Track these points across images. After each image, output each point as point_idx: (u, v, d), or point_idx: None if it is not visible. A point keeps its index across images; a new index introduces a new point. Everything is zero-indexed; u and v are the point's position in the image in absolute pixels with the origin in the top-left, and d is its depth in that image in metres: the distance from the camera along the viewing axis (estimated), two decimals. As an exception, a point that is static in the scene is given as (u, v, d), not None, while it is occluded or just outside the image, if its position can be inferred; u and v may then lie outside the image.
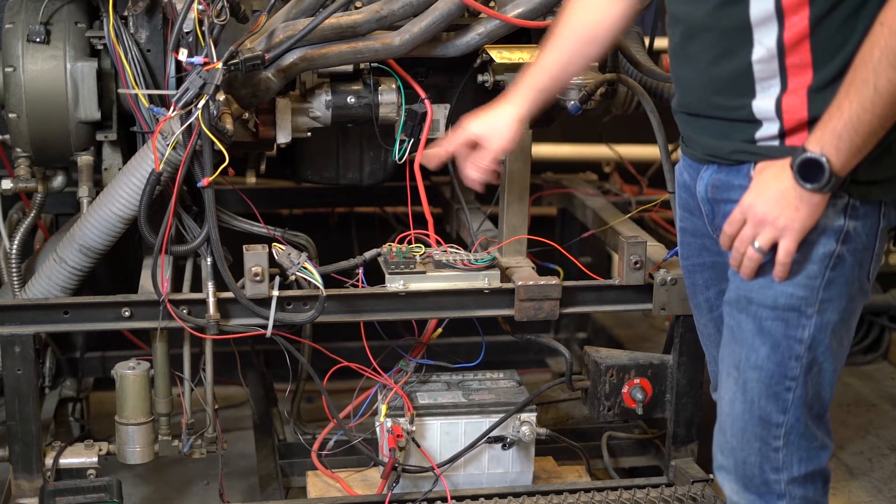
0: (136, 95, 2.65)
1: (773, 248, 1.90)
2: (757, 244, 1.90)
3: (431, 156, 2.43)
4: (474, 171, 2.36)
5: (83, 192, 2.77)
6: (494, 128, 2.31)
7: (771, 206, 1.87)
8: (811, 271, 1.92)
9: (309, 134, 2.87)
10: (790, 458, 2.03)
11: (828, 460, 2.07)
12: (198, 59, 2.48)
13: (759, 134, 1.93)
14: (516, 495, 2.77)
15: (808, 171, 1.82)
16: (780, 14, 1.85)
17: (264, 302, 2.63)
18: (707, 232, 2.12)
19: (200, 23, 2.51)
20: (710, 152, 2.02)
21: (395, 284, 2.71)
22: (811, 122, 1.87)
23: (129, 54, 2.66)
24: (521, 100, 2.31)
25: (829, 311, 1.95)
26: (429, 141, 2.84)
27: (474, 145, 2.34)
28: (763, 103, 1.91)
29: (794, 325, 1.95)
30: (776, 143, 1.92)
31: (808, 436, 2.02)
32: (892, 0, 1.75)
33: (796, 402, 1.99)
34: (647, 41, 3.12)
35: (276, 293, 2.62)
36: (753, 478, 2.05)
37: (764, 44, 1.88)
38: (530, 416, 2.81)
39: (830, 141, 1.80)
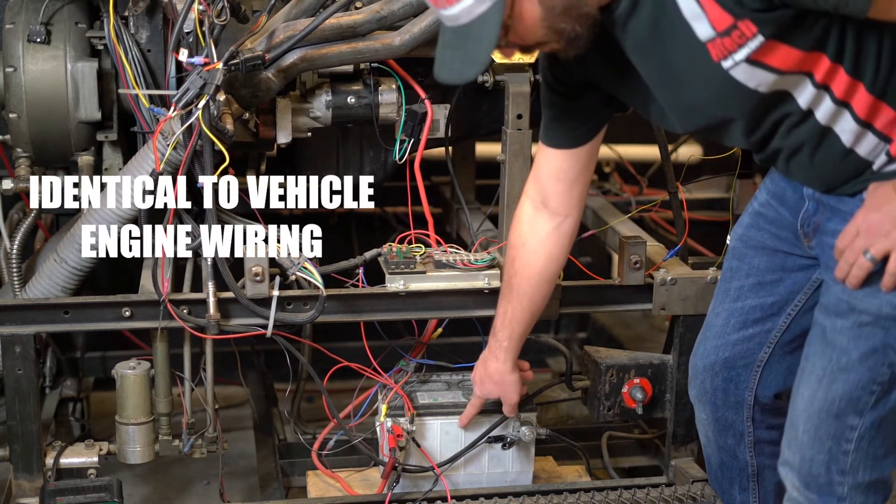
0: (137, 95, 2.65)
1: (883, 259, 1.97)
2: (869, 254, 1.97)
3: (464, 419, 2.76)
4: (509, 415, 2.75)
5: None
6: (502, 388, 2.65)
7: (884, 219, 1.96)
8: None
9: (309, 134, 2.87)
10: (858, 463, 2.07)
11: (890, 473, 2.11)
12: (198, 60, 2.48)
13: (877, 165, 2.02)
14: (516, 495, 2.77)
15: None
16: (842, 103, 1.95)
17: (264, 302, 2.63)
18: (792, 224, 2.20)
19: (201, 23, 2.51)
20: (830, 188, 2.10)
21: (395, 284, 2.71)
22: None
23: (130, 54, 2.66)
24: (506, 355, 2.59)
25: None
26: (429, 141, 2.84)
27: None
28: (880, 162, 2.00)
29: (893, 335, 2.01)
30: (894, 167, 2.00)
31: (880, 444, 2.07)
32: None
33: (877, 408, 2.04)
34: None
35: (276, 293, 2.62)
36: (818, 476, 2.09)
37: (848, 130, 1.98)
38: (530, 416, 2.81)
39: None
